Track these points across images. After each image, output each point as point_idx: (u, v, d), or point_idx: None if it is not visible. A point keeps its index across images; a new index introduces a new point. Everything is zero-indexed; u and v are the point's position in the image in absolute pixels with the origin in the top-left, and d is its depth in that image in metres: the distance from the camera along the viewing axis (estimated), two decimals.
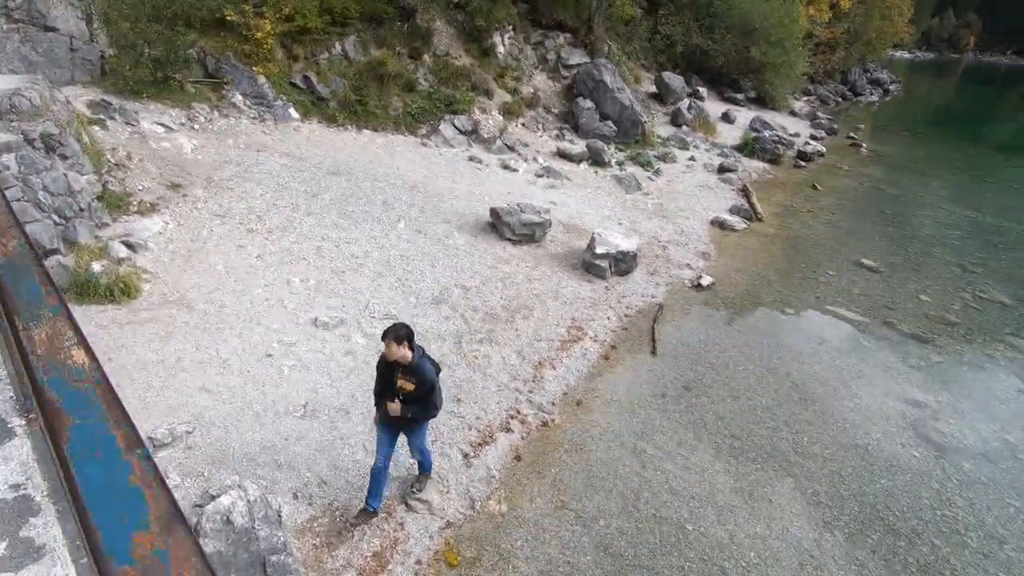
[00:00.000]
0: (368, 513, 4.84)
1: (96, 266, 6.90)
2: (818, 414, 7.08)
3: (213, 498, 4.63)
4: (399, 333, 4.21)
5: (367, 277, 8.31)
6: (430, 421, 4.90)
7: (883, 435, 6.78)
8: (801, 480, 6.06)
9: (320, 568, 4.49)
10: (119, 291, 6.74)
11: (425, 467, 5.22)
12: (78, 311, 6.51)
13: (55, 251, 6.75)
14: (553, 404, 6.66)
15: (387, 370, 4.47)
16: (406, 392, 4.42)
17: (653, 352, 7.91)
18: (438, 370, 4.61)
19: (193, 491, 4.78)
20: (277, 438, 5.46)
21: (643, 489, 5.73)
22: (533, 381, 6.95)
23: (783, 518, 5.57)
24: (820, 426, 6.87)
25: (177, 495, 4.81)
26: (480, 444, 5.92)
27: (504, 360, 7.20)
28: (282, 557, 4.20)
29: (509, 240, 10.08)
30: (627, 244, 9.68)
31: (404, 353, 4.25)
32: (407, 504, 5.11)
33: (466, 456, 5.74)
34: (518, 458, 5.89)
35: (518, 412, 6.44)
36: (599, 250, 9.48)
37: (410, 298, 8.05)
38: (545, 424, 6.36)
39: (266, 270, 7.98)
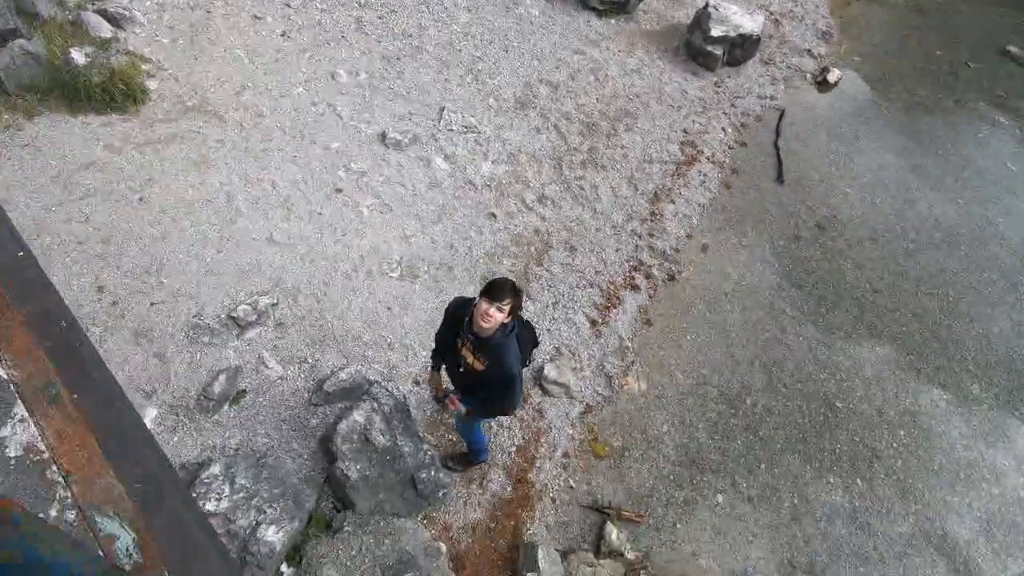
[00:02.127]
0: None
1: (77, 55, 5.01)
2: (963, 260, 6.23)
3: (328, 395, 3.91)
4: (510, 295, 2.68)
5: (430, 68, 6.42)
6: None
7: None
8: (948, 345, 5.50)
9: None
10: (120, 94, 5.01)
11: (475, 452, 3.88)
12: (75, 124, 4.92)
13: (13, 32, 4.79)
14: (677, 251, 5.66)
15: (455, 323, 3.03)
16: (470, 370, 2.99)
17: (779, 179, 6.64)
18: (535, 343, 3.27)
19: (302, 383, 4.02)
20: (379, 308, 4.54)
21: (787, 359, 5.14)
22: (651, 220, 5.83)
23: (931, 392, 5.13)
24: (967, 274, 6.08)
25: (285, 388, 4.06)
26: (606, 307, 5.09)
27: (615, 191, 5.94)
28: (431, 472, 3.65)
29: (593, 10, 7.78)
30: (750, 24, 7.52)
31: (495, 323, 2.72)
32: (542, 388, 4.48)
33: (594, 323, 4.96)
34: (649, 323, 5.13)
35: (641, 263, 5.47)
36: (715, 32, 7.37)
37: (488, 100, 6.34)
38: (672, 278, 5.46)
39: (300, 56, 6.04)
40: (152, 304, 4.12)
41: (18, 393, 0.91)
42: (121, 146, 4.88)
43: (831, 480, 4.55)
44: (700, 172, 6.43)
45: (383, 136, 5.58)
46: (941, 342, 5.49)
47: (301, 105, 5.63)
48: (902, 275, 5.97)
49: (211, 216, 4.68)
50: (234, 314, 4.10)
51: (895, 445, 4.81)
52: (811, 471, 4.57)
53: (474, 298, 2.83)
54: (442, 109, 6.01)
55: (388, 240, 4.94)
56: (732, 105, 7.34)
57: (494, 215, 5.38)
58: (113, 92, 4.98)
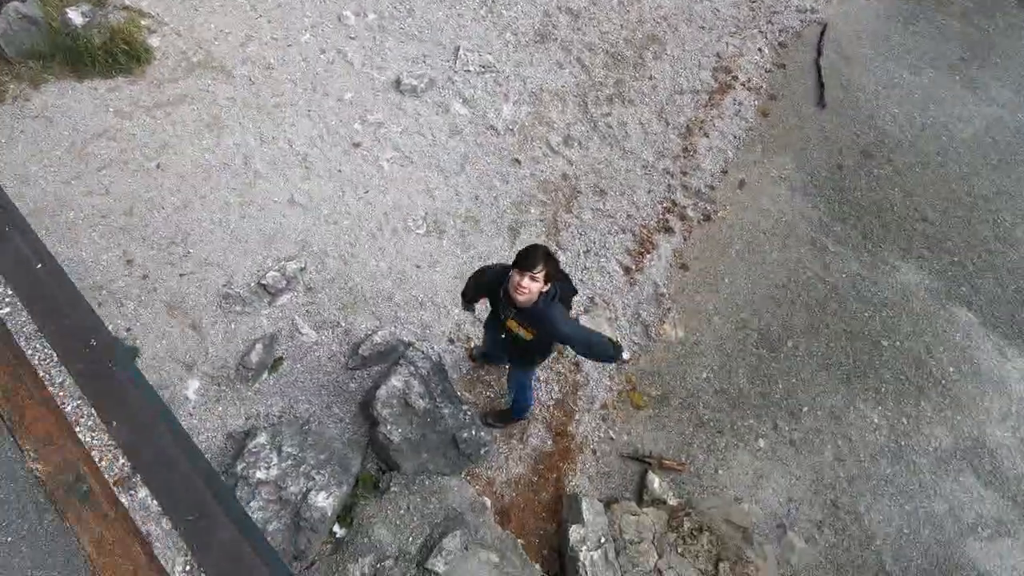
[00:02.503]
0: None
1: (74, 15, 4.77)
2: (1022, 182, 5.82)
3: (365, 359, 3.90)
4: (542, 262, 2.54)
5: (441, 2, 6.00)
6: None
7: None
8: (1003, 275, 5.22)
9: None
10: (123, 55, 4.80)
11: (517, 410, 3.87)
12: (83, 91, 4.76)
13: None
14: (712, 188, 5.39)
15: (492, 292, 2.95)
16: (521, 340, 2.94)
17: (821, 102, 6.18)
18: (573, 291, 3.16)
19: (337, 347, 4.01)
20: (407, 266, 4.45)
21: (829, 299, 4.94)
22: (684, 156, 5.52)
23: (983, 326, 4.92)
24: (1022, 198, 5.70)
25: (321, 353, 4.06)
26: (640, 253, 4.92)
27: (644, 127, 5.61)
28: (472, 432, 3.66)
29: None
30: None
31: (532, 294, 2.62)
32: None
33: (627, 271, 4.81)
34: (684, 267, 4.95)
35: (674, 204, 5.23)
36: None
37: (506, 35, 5.93)
38: (708, 218, 5.22)
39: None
40: (181, 275, 4.10)
41: (44, 491, 0.83)
42: (131, 111, 4.73)
43: (875, 420, 4.46)
44: (735, 100, 6.01)
45: (398, 82, 5.30)
46: (996, 271, 5.21)
47: (310, 54, 5.35)
48: (955, 201, 5.62)
49: (230, 180, 4.56)
50: (264, 281, 4.06)
51: (943, 383, 4.66)
52: (854, 412, 4.48)
53: (506, 267, 2.71)
54: (457, 48, 5.66)
55: (411, 195, 4.78)
56: (769, 22, 6.77)
57: (518, 161, 5.15)
58: (116, 53, 4.77)
